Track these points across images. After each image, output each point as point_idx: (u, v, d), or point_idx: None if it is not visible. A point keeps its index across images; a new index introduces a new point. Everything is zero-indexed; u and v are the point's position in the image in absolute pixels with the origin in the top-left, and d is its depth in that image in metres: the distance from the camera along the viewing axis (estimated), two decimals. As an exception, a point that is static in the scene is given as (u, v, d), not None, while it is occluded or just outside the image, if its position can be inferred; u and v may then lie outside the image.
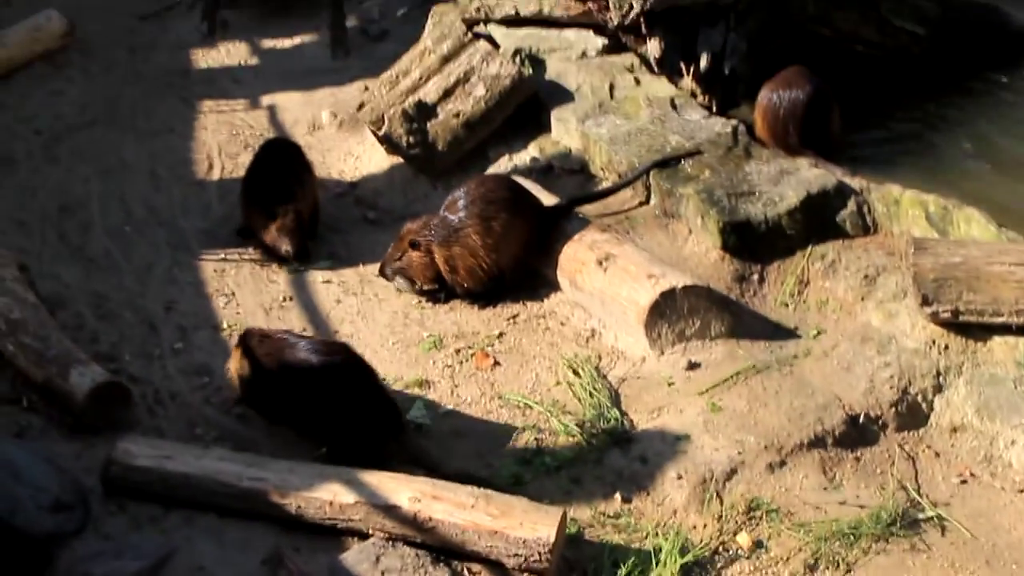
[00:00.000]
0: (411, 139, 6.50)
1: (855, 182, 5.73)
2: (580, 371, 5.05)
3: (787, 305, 5.32)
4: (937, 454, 4.53)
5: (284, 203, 5.97)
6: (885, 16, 7.03)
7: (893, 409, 4.66)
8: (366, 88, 7.12)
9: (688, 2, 6.64)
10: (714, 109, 6.50)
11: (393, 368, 5.19)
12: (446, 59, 6.86)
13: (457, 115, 6.52)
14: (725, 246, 5.50)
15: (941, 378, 4.73)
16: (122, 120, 7.30)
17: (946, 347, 4.83)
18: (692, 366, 4.99)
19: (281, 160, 6.29)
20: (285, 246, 5.96)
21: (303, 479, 4.34)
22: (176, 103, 7.52)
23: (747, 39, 6.78)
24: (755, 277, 5.44)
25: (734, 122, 6.24)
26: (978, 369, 4.70)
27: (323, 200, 6.38)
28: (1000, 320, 4.70)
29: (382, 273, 5.77)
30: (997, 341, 4.75)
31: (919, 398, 4.69)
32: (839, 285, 5.28)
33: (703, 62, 6.68)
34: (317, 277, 5.91)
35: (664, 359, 5.04)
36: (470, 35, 7.05)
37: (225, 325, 5.54)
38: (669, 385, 4.93)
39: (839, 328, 5.12)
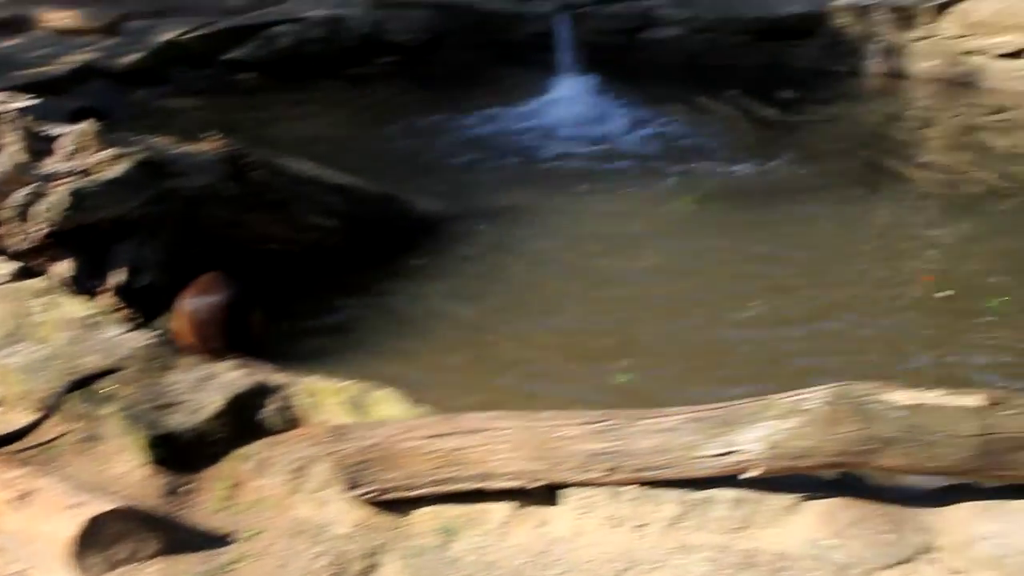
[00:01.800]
0: None
1: (279, 378, 5.82)
2: (3, 623, 4.67)
3: (222, 511, 5.25)
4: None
5: None
6: (295, 215, 7.35)
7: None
8: None
9: (94, 220, 6.59)
10: (134, 323, 6.39)
11: None
12: None
13: None
14: (152, 461, 5.36)
15: (374, 557, 4.83)
16: None
17: (375, 527, 4.96)
18: (126, 592, 4.76)
19: None
20: None
21: None
22: None
23: (162, 250, 6.81)
24: (186, 488, 5.33)
25: (155, 334, 6.17)
26: (407, 542, 4.86)
27: None
28: (417, 492, 4.91)
29: None
30: (419, 512, 4.94)
31: (355, 581, 4.76)
32: (271, 482, 5.29)
33: (119, 278, 6.62)
34: None
35: (96, 591, 4.77)
36: None
37: None
38: (104, 618, 4.67)
39: (274, 526, 5.11)
